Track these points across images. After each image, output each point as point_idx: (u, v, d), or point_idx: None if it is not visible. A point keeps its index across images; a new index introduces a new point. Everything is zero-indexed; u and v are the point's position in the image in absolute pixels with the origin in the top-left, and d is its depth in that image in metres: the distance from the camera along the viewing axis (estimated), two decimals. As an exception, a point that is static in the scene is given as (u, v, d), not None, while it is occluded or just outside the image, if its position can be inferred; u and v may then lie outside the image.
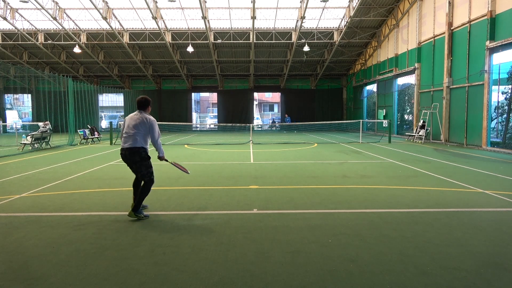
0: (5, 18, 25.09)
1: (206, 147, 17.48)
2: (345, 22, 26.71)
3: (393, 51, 25.87)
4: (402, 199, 6.65)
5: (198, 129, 40.32)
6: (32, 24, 27.96)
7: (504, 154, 14.06)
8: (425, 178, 8.87)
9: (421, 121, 20.61)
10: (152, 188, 7.65)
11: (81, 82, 26.92)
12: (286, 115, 36.06)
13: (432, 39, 20.49)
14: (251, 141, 20.00)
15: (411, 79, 24.03)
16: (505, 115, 15.95)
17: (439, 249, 4.21)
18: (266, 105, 63.01)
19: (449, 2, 18.41)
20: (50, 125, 17.61)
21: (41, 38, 28.91)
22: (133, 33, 28.73)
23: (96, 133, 21.39)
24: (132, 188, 5.71)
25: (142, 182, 5.52)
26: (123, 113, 37.24)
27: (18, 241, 4.52)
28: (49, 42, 29.27)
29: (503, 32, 15.05)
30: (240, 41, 28.98)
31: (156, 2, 24.76)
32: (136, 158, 5.36)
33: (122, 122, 5.68)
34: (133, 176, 5.61)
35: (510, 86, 15.30)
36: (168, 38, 28.58)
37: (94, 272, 3.62)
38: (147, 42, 29.03)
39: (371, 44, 30.11)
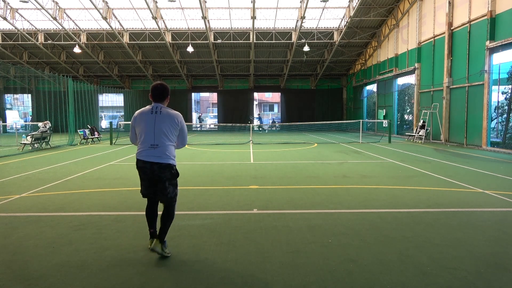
0: (5, 18, 25.09)
1: (206, 147, 17.48)
2: (345, 22, 26.70)
3: (393, 51, 25.87)
4: (402, 199, 6.64)
5: (198, 129, 40.32)
6: (32, 24, 27.96)
7: (504, 154, 14.06)
8: (425, 178, 8.86)
9: (421, 121, 20.61)
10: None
11: (81, 82, 26.91)
12: (259, 114, 36.20)
13: (432, 39, 20.49)
14: (251, 141, 20.00)
15: (411, 79, 24.02)
16: (505, 115, 15.95)
17: (439, 249, 4.21)
18: (266, 105, 63.02)
19: (449, 2, 18.41)
20: (50, 124, 17.58)
21: (41, 38, 28.91)
22: (133, 33, 28.72)
23: (96, 133, 21.39)
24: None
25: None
26: (123, 113, 37.24)
27: (18, 241, 4.52)
28: (49, 42, 29.27)
29: (503, 32, 15.05)
30: (240, 41, 28.98)
31: (156, 2, 24.76)
32: None
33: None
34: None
35: (510, 86, 15.30)
36: (168, 38, 28.58)
37: (94, 272, 3.62)
38: (147, 42, 29.03)
39: (371, 44, 30.11)
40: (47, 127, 17.10)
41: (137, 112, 4.09)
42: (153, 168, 3.88)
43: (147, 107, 4.03)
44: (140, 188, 4.12)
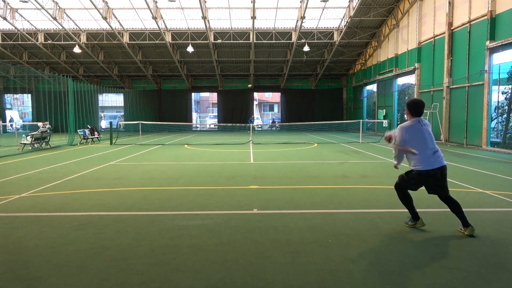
0: (5, 18, 25.09)
1: (206, 147, 17.48)
2: (345, 22, 26.71)
3: (393, 51, 25.86)
4: (402, 199, 6.63)
5: (198, 129, 40.34)
6: (32, 24, 27.96)
7: (504, 154, 14.05)
8: (425, 178, 8.84)
9: (421, 121, 20.58)
10: (152, 188, 7.67)
11: (81, 82, 26.93)
12: (252, 116, 35.93)
13: (432, 39, 20.49)
14: (251, 141, 20.00)
15: (411, 79, 24.02)
16: (505, 115, 15.94)
17: (439, 249, 4.21)
18: (266, 105, 63.02)
19: (449, 2, 18.41)
20: (49, 125, 17.54)
21: (41, 38, 28.92)
22: (133, 33, 28.73)
23: (96, 133, 21.39)
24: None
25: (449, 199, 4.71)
26: (123, 113, 37.26)
27: (18, 241, 4.52)
28: (49, 42, 29.28)
29: (503, 32, 15.05)
30: (240, 41, 28.98)
31: (156, 2, 24.76)
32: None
33: (405, 133, 4.52)
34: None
35: (510, 86, 15.29)
36: (168, 38, 28.58)
37: (94, 272, 3.62)
38: (147, 42, 29.04)
39: (371, 44, 30.10)
40: (47, 127, 17.08)
41: (405, 126, 4.59)
42: (442, 171, 4.54)
43: (414, 121, 4.61)
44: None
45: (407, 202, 4.86)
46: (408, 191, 4.93)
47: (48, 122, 17.61)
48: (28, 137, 16.07)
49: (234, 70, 35.68)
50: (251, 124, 31.45)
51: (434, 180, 4.55)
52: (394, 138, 4.67)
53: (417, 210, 4.85)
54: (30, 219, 5.43)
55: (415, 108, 4.62)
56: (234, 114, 36.73)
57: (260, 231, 4.85)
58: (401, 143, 4.56)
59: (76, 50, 29.00)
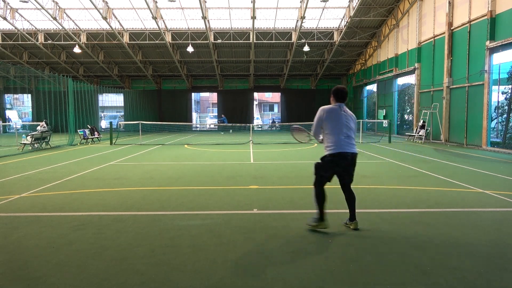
0: (5, 18, 25.09)
1: (206, 147, 17.48)
2: (345, 22, 26.71)
3: (393, 51, 25.87)
4: (402, 199, 6.64)
5: (198, 129, 40.35)
6: (32, 24, 27.96)
7: (504, 154, 14.05)
8: (425, 178, 8.86)
9: (421, 121, 20.61)
10: (152, 188, 7.67)
11: (81, 82, 26.93)
12: (222, 115, 34.59)
13: (432, 39, 20.49)
14: (251, 141, 20.00)
15: (411, 79, 24.03)
16: (505, 115, 15.94)
17: (439, 249, 4.21)
18: (266, 105, 63.03)
19: (449, 2, 18.42)
20: (44, 123, 17.44)
21: (41, 38, 28.92)
22: (133, 33, 28.73)
23: (96, 133, 21.39)
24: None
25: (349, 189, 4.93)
26: (123, 113, 37.25)
27: (18, 241, 4.52)
28: (49, 42, 29.28)
29: (503, 32, 15.05)
30: (240, 41, 28.98)
31: (156, 2, 24.76)
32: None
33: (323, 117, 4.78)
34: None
35: (510, 86, 15.30)
36: (168, 38, 28.58)
37: (94, 272, 3.62)
38: (147, 42, 29.03)
39: (371, 44, 30.11)
40: (43, 123, 17.01)
41: (325, 107, 4.85)
42: (352, 157, 4.75)
43: (335, 105, 4.82)
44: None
45: (322, 200, 4.84)
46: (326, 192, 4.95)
47: (44, 121, 17.49)
48: (28, 137, 16.06)
49: (234, 70, 35.67)
50: (224, 123, 30.61)
51: (346, 163, 4.72)
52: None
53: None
54: (30, 219, 5.43)
55: (338, 93, 4.86)
56: (234, 114, 36.74)
57: (260, 231, 4.85)
58: (317, 122, 4.86)
59: (76, 50, 29.00)
